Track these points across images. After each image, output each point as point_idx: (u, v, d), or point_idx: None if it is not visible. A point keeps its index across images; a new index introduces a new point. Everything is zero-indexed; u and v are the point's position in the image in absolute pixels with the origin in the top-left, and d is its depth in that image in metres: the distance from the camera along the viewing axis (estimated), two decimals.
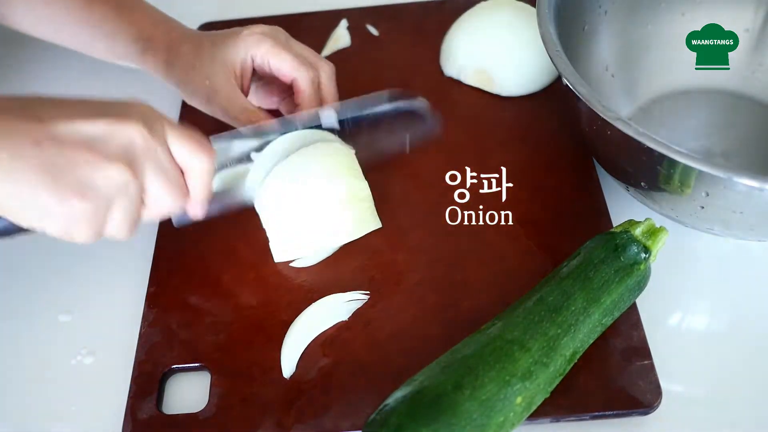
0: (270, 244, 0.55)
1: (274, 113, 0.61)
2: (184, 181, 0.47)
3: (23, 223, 0.42)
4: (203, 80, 0.58)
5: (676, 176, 0.47)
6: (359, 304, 0.54)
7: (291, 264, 0.56)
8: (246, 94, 0.59)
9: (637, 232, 0.49)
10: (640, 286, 0.49)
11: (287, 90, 0.61)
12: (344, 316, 0.53)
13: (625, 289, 0.48)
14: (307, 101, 0.58)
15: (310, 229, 0.54)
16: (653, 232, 0.49)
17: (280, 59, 0.58)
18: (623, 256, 0.48)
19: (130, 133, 0.42)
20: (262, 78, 0.61)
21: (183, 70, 0.59)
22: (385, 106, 0.57)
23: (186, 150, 0.45)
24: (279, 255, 0.55)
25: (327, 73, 0.60)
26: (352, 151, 0.56)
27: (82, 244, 0.44)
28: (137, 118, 0.43)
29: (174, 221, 0.52)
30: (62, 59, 0.70)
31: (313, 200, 0.53)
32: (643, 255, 0.48)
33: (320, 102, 0.59)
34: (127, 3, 0.61)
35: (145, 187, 0.44)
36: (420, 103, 0.58)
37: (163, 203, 0.46)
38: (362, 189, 0.55)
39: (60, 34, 0.62)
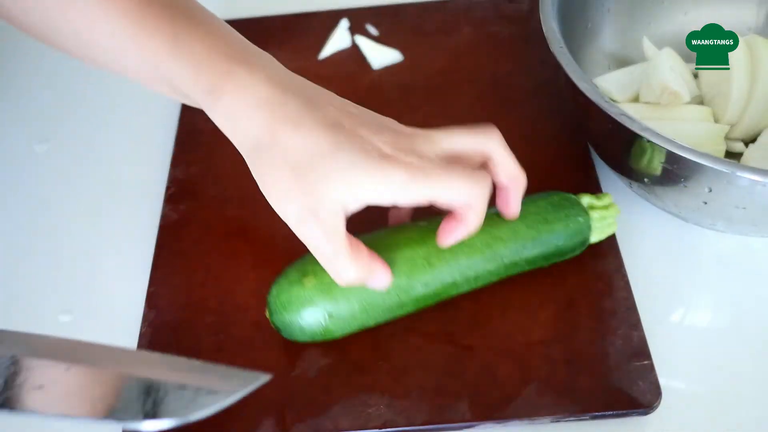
0: None
1: None
2: None
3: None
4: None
5: (680, 172, 0.47)
6: None
7: None
8: None
9: (585, 200, 0.52)
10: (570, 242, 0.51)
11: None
12: None
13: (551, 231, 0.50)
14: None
15: None
16: (605, 206, 0.52)
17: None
18: (562, 211, 0.51)
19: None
20: None
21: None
22: None
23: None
24: None
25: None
26: None
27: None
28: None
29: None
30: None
31: None
32: (581, 218, 0.51)
33: None
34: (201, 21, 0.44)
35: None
36: None
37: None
38: None
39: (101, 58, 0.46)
